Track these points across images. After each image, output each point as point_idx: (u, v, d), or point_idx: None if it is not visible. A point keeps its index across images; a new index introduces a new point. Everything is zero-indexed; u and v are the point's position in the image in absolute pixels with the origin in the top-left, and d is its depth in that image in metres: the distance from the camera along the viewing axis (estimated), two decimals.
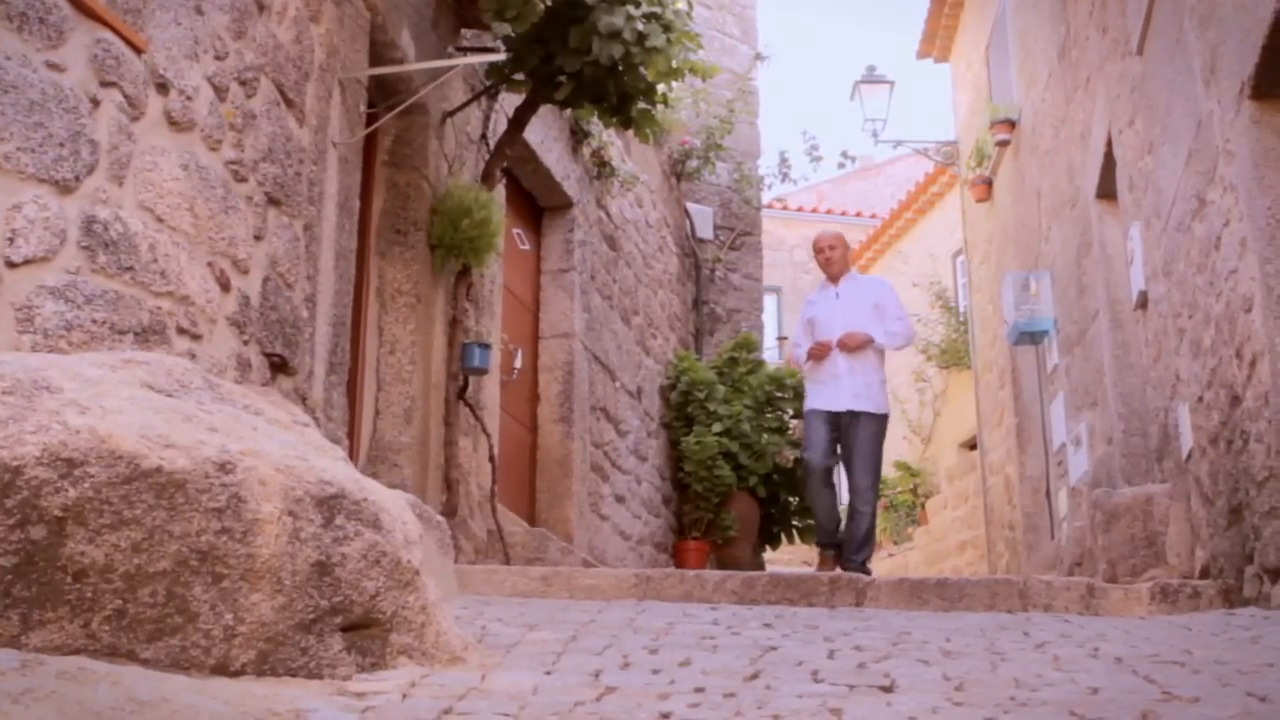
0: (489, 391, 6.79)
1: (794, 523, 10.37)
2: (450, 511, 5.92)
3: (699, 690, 2.44)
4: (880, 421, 6.69)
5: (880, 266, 18.24)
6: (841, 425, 6.66)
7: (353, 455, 5.42)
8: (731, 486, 9.77)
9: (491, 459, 6.49)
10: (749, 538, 9.97)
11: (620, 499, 8.77)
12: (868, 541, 6.51)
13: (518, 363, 7.48)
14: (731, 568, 9.06)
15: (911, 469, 16.13)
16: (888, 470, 16.64)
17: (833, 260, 6.93)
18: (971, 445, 13.52)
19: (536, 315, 8.09)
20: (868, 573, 6.04)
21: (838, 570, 5.99)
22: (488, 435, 6.47)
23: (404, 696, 2.37)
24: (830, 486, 6.69)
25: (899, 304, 6.98)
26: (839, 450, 6.78)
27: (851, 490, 6.58)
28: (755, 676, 2.62)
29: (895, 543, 15.59)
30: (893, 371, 17.44)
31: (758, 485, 9.95)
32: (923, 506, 15.35)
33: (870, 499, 6.54)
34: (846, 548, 6.51)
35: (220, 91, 4.08)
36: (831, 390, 6.69)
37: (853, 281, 7.01)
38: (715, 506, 9.79)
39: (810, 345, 6.85)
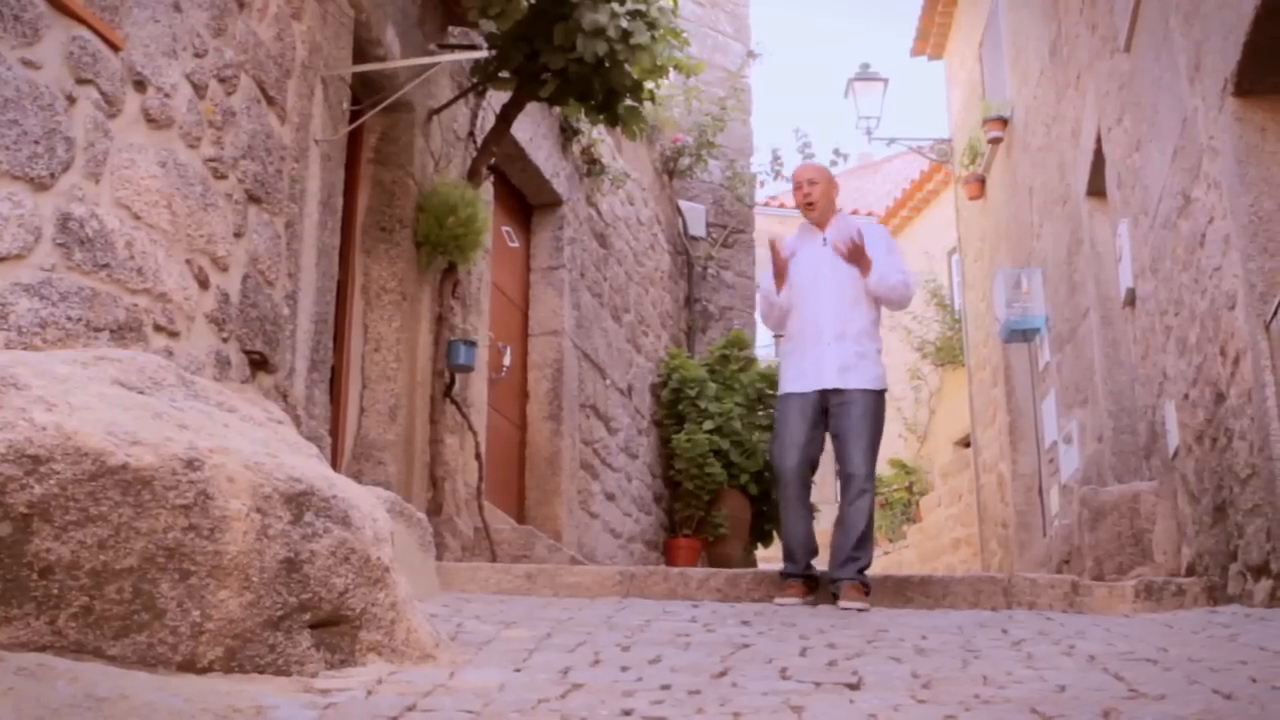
0: (476, 389, 6.79)
1: None
2: (436, 509, 5.92)
3: (665, 687, 2.43)
4: (876, 398, 5.06)
5: None
6: (828, 410, 5.05)
7: (337, 452, 5.42)
8: (722, 484, 9.77)
9: (478, 456, 6.49)
10: (740, 535, 9.97)
11: (610, 496, 8.77)
12: (863, 545, 4.87)
13: (507, 360, 7.48)
14: (723, 565, 9.06)
15: (907, 466, 16.14)
16: (883, 468, 16.73)
17: (813, 198, 5.28)
18: (966, 443, 13.52)
19: (526, 313, 8.09)
20: (865, 588, 4.81)
21: (811, 598, 4.85)
22: (474, 432, 6.47)
23: (369, 693, 2.37)
24: (807, 502, 5.09)
25: (898, 256, 5.37)
26: (818, 452, 5.18)
27: (842, 480, 5.02)
28: (724, 674, 2.62)
29: (890, 540, 15.59)
30: (888, 368, 17.51)
31: (749, 483, 9.95)
32: (917, 504, 15.36)
33: (866, 490, 4.95)
34: (835, 556, 4.88)
35: (199, 89, 4.07)
36: (812, 363, 5.06)
37: (843, 225, 5.35)
38: (706, 504, 9.80)
39: (776, 264, 5.22)
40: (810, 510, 5.11)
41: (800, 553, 4.96)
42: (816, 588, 4.94)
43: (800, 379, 5.11)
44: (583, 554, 7.71)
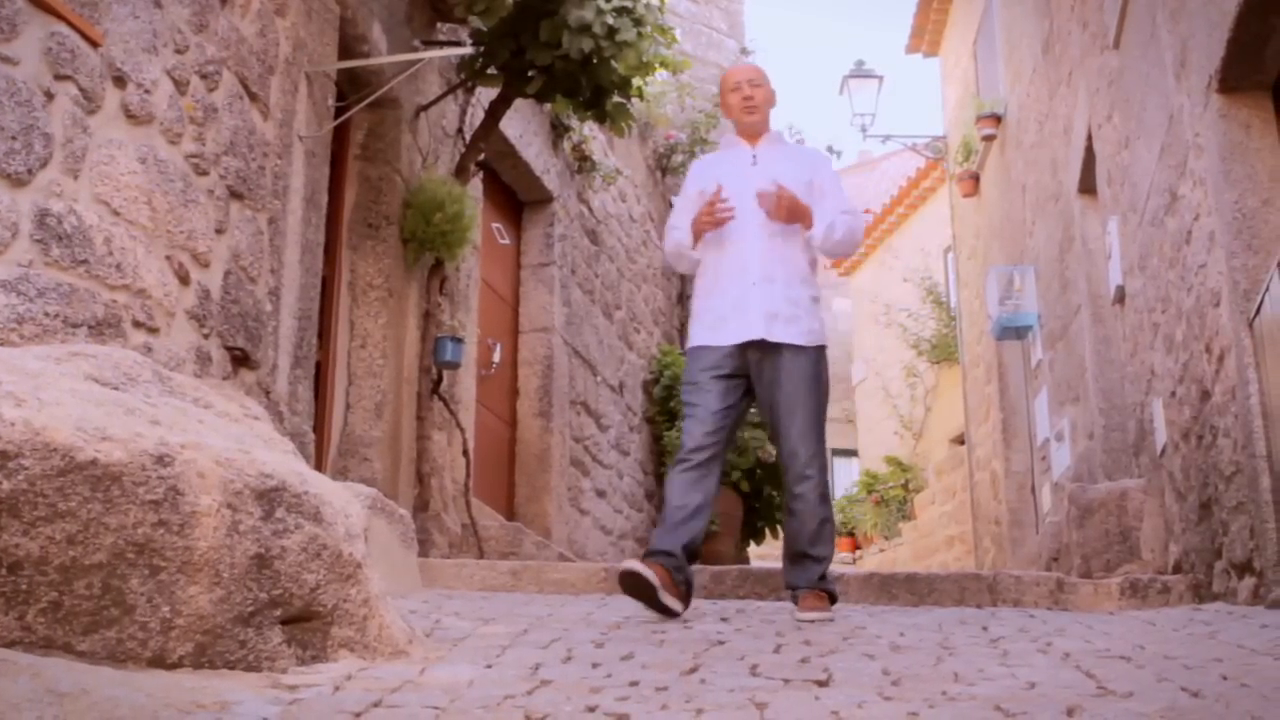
0: (465, 385, 6.79)
1: (778, 518, 10.37)
2: (423, 505, 5.92)
3: (633, 684, 2.43)
4: (815, 358, 4.03)
5: (873, 261, 18.23)
6: (750, 369, 4.03)
7: (322, 449, 5.42)
8: None
9: (466, 453, 6.49)
10: (732, 533, 9.97)
11: (601, 494, 8.77)
12: (818, 542, 3.92)
13: (496, 357, 7.48)
14: (714, 563, 9.05)
15: (903, 464, 16.14)
16: (878, 465, 16.72)
17: (754, 103, 4.26)
18: (961, 440, 13.51)
19: (516, 310, 8.09)
20: (828, 596, 3.91)
21: (655, 578, 3.68)
22: (461, 429, 6.47)
23: (336, 689, 2.37)
24: (708, 475, 3.91)
25: (842, 188, 4.33)
26: (736, 425, 4.09)
27: (785, 469, 4.00)
28: (694, 670, 2.61)
29: (886, 537, 15.59)
30: (884, 366, 17.57)
31: (740, 480, 9.95)
32: (912, 501, 15.36)
33: (810, 475, 3.93)
34: (786, 558, 4.00)
35: (180, 85, 4.07)
36: (734, 308, 4.03)
37: (777, 145, 4.34)
38: None
39: (702, 212, 4.12)
40: (712, 490, 3.95)
41: (677, 520, 3.82)
42: (688, 591, 3.86)
43: (718, 328, 4.06)
44: (573, 551, 7.71)
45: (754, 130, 4.31)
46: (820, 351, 4.09)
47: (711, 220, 4.07)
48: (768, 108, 4.34)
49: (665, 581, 3.72)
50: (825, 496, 3.97)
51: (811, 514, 3.91)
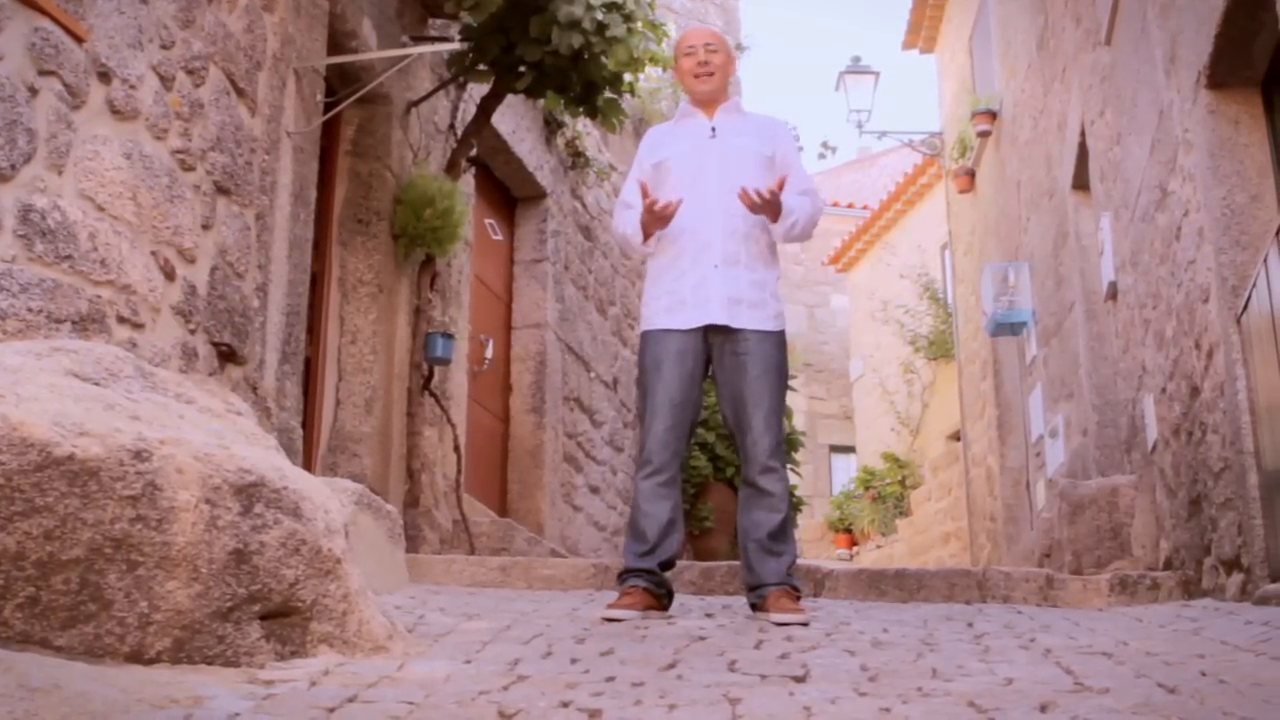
0: (456, 381, 6.78)
1: None
2: (413, 501, 5.92)
3: (609, 680, 2.43)
4: (776, 345, 3.83)
5: (870, 258, 18.22)
6: (712, 354, 3.83)
7: (312, 445, 5.42)
8: (708, 477, 9.78)
9: (456, 449, 6.48)
10: (726, 529, 9.96)
11: (594, 490, 8.77)
12: (782, 538, 3.72)
13: (489, 353, 7.47)
14: (708, 559, 9.05)
15: (899, 460, 16.13)
16: (875, 461, 16.72)
17: (709, 69, 3.97)
18: (957, 437, 13.51)
19: (509, 305, 8.09)
20: (797, 593, 3.74)
21: (646, 611, 3.64)
22: (452, 425, 6.46)
23: (312, 684, 2.36)
24: (677, 483, 3.79)
25: (802, 163, 4.09)
26: (696, 414, 3.90)
27: (746, 459, 3.79)
28: (672, 666, 2.61)
29: (883, 534, 15.59)
30: (882, 362, 17.59)
31: (734, 476, 9.94)
32: (909, 498, 15.36)
33: (774, 468, 3.75)
34: (747, 557, 3.76)
35: (166, 80, 4.07)
36: (693, 289, 3.79)
37: (735, 115, 4.04)
38: (692, 498, 9.81)
39: (644, 214, 3.82)
40: (679, 495, 3.82)
41: (656, 537, 3.70)
42: (669, 600, 3.81)
43: (677, 310, 3.81)
44: (566, 547, 7.71)
45: (708, 99, 4.01)
46: (783, 336, 3.90)
47: (658, 220, 3.78)
48: (724, 75, 4.02)
49: (647, 604, 3.65)
50: (787, 490, 3.80)
51: (778, 508, 3.72)
